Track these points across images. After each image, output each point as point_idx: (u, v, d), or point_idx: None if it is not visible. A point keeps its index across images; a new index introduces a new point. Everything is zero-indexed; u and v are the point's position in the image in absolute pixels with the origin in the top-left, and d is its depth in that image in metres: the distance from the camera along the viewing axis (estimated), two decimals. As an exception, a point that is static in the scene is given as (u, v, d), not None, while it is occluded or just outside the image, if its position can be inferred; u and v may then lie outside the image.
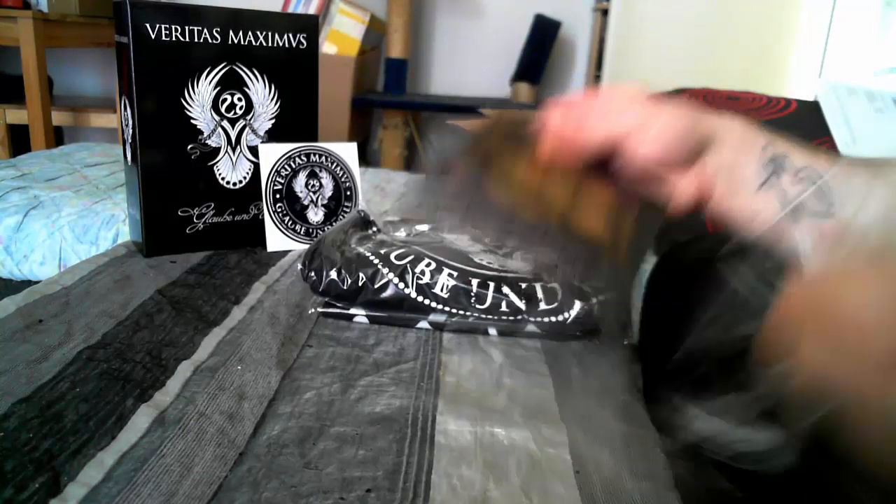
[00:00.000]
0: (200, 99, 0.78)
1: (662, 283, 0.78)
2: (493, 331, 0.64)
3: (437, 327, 0.65)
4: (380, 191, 1.31)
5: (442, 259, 0.66)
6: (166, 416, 0.47)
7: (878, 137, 1.21)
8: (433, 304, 0.64)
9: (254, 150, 0.83)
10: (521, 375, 0.57)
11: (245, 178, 0.84)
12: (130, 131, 0.77)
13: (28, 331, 0.58)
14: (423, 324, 0.65)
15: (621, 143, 0.41)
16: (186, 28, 0.76)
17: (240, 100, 0.81)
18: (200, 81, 0.78)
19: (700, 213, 0.43)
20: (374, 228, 0.79)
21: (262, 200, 0.83)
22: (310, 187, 0.85)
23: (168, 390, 0.50)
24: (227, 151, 0.82)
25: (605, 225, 0.42)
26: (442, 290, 0.63)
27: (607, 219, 0.42)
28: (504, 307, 0.63)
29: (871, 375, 0.30)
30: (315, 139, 0.88)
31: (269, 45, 0.81)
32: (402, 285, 0.64)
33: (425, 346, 0.62)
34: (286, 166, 0.84)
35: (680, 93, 1.47)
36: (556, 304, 0.62)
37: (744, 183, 0.41)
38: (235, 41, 0.79)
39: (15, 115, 2.27)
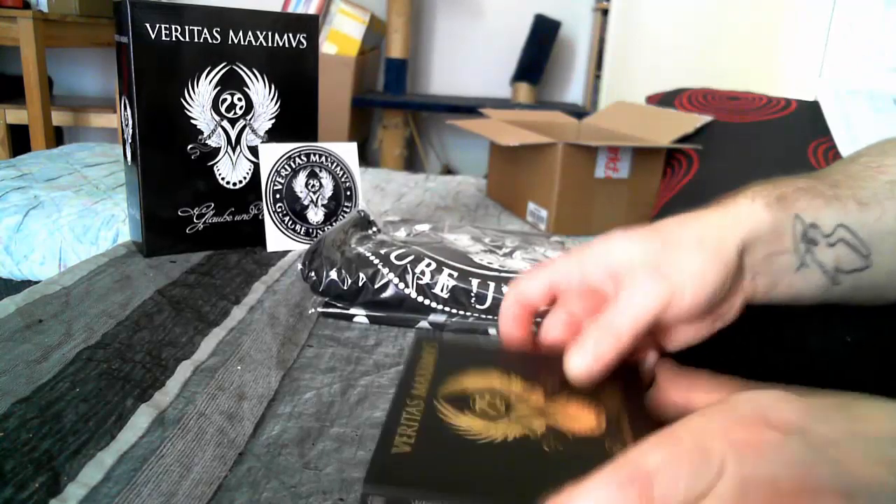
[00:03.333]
0: (200, 99, 0.78)
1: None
2: (493, 331, 0.64)
3: (438, 327, 0.65)
4: (380, 191, 1.32)
5: (442, 259, 0.66)
6: (166, 416, 0.47)
7: (878, 138, 1.21)
8: (433, 305, 0.64)
9: (254, 150, 0.83)
10: (520, 375, 0.57)
11: (245, 178, 0.84)
12: (130, 131, 0.77)
13: (28, 331, 0.58)
14: (424, 324, 0.65)
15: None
16: (186, 28, 0.76)
17: (240, 100, 0.81)
18: (200, 81, 0.78)
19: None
20: (374, 228, 0.79)
21: (262, 200, 0.83)
22: (310, 187, 0.85)
23: (168, 390, 0.50)
24: (227, 151, 0.82)
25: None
26: (442, 291, 0.63)
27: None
28: (504, 307, 0.63)
29: None
30: (315, 139, 0.88)
31: (269, 45, 0.81)
32: (402, 285, 0.64)
33: (425, 346, 0.62)
34: (286, 166, 0.84)
35: (680, 93, 1.47)
36: (556, 305, 0.62)
37: (781, 272, 0.40)
38: (235, 41, 0.79)
39: (15, 115, 2.27)
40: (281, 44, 0.82)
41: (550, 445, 0.36)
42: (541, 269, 0.39)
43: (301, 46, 0.84)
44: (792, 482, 0.24)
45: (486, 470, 0.34)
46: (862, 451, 0.24)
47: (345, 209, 0.88)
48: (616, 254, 0.37)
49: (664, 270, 0.35)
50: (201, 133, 0.79)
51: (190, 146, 0.79)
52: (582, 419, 0.38)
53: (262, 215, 0.84)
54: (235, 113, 0.81)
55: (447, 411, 0.37)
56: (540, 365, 0.42)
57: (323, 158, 0.86)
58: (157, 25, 0.74)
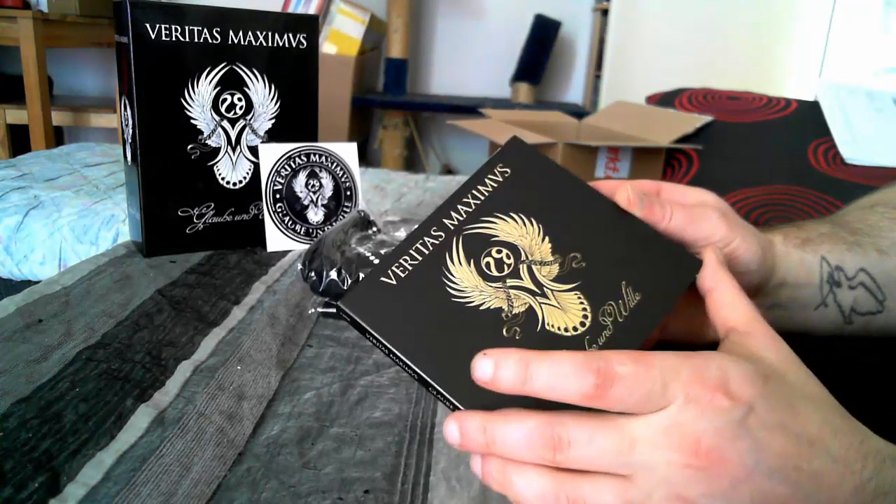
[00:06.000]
0: (200, 99, 0.78)
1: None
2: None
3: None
4: (380, 191, 1.32)
5: (441, 259, 0.66)
6: (165, 416, 0.47)
7: (878, 137, 1.22)
8: (433, 305, 0.64)
9: (254, 150, 0.83)
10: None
11: (245, 178, 0.84)
12: (130, 131, 0.77)
13: (28, 331, 0.58)
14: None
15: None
16: (186, 28, 0.76)
17: (240, 100, 0.81)
18: (200, 81, 0.78)
19: None
20: (374, 228, 0.79)
21: (262, 200, 0.83)
22: (310, 187, 0.85)
23: (167, 390, 0.51)
24: (227, 151, 0.82)
25: None
26: (441, 291, 0.63)
27: None
28: (504, 307, 0.63)
29: None
30: (315, 139, 0.88)
31: (269, 45, 0.81)
32: (401, 285, 0.63)
33: (425, 346, 0.62)
34: (286, 166, 0.84)
35: (680, 93, 1.47)
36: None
37: (800, 308, 0.44)
38: (235, 41, 0.79)
39: (15, 115, 2.28)
40: (281, 44, 0.82)
41: (510, 331, 0.35)
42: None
43: (301, 46, 0.84)
44: (710, 446, 0.27)
45: (442, 334, 0.34)
46: (783, 441, 0.28)
47: (345, 209, 0.88)
48: (694, 193, 0.42)
49: (730, 217, 0.40)
50: (201, 133, 0.79)
51: (190, 146, 0.79)
52: (569, 312, 0.37)
53: (262, 215, 0.84)
54: (235, 113, 0.81)
55: (455, 255, 0.37)
56: (585, 232, 0.40)
57: (323, 158, 0.86)
58: (157, 25, 0.74)
